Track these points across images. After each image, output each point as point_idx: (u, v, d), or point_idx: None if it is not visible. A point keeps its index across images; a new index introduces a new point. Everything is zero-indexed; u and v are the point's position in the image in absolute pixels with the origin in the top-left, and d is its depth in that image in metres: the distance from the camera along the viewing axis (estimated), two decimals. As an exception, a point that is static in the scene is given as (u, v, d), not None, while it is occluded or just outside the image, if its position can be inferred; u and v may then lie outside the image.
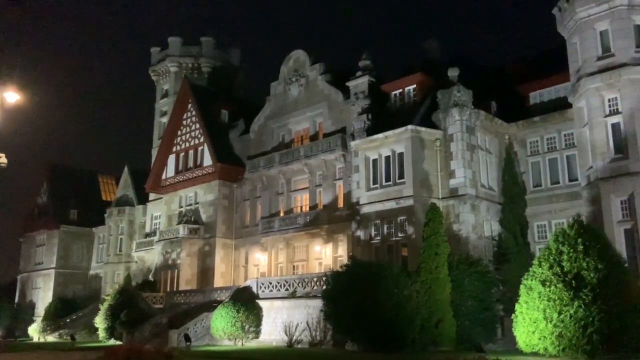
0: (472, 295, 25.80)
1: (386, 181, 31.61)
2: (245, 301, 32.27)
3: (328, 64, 40.79)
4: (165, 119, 52.86)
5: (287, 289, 32.15)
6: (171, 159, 48.32)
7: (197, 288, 41.65)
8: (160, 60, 55.88)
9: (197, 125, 46.56)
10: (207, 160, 44.83)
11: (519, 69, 36.32)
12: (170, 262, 44.81)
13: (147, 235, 52.46)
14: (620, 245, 24.58)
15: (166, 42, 55.93)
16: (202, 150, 45.74)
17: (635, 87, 26.02)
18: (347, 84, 36.62)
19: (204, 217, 44.58)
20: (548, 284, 20.18)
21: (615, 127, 26.49)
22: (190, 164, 46.68)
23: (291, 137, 42.16)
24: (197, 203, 45.55)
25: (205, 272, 43.34)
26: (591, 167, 26.99)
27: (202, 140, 45.85)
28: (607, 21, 27.16)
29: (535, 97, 33.39)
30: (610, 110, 26.73)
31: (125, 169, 59.01)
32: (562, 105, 30.57)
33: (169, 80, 55.32)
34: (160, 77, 56.26)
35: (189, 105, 47.69)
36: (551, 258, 20.70)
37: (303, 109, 40.86)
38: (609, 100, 26.81)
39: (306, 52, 41.57)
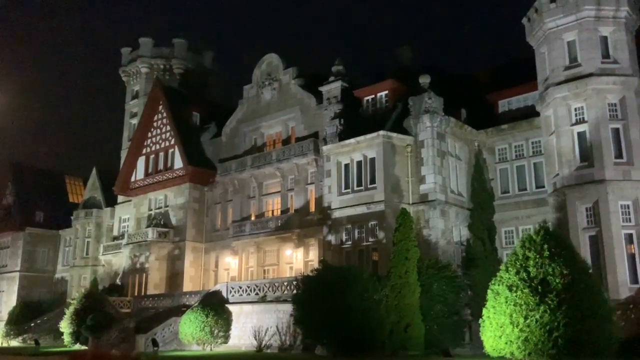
0: (440, 300, 26.10)
1: (358, 186, 31.76)
2: (215, 305, 31.98)
3: (301, 68, 40.85)
4: (135, 120, 52.16)
5: (257, 294, 31.99)
6: (141, 161, 47.64)
7: (166, 292, 41.09)
8: (131, 61, 55.15)
9: (168, 127, 46.05)
10: (178, 163, 44.37)
11: (489, 77, 36.96)
12: (138, 265, 44.14)
13: (115, 238, 51.53)
14: (585, 251, 25.18)
15: (137, 43, 55.23)
16: (173, 153, 45.24)
17: (600, 97, 26.72)
18: (320, 88, 36.72)
19: (173, 220, 44.07)
20: (515, 289, 20.50)
21: (581, 135, 27.15)
22: (161, 166, 46.12)
23: (263, 140, 42.05)
24: (167, 206, 45.01)
25: (175, 276, 42.82)
26: (557, 175, 27.59)
27: (172, 142, 45.36)
28: (574, 32, 27.86)
29: (504, 105, 34.02)
30: (576, 119, 27.39)
31: (94, 170, 57.87)
32: (530, 113, 31.19)
33: (139, 81, 54.63)
34: (131, 77, 55.55)
35: (160, 107, 47.16)
36: (518, 263, 21.05)
37: (276, 112, 40.80)
38: (575, 110, 27.47)
39: (279, 56, 41.54)
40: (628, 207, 25.63)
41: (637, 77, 27.20)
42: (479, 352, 22.69)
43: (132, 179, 47.72)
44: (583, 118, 27.14)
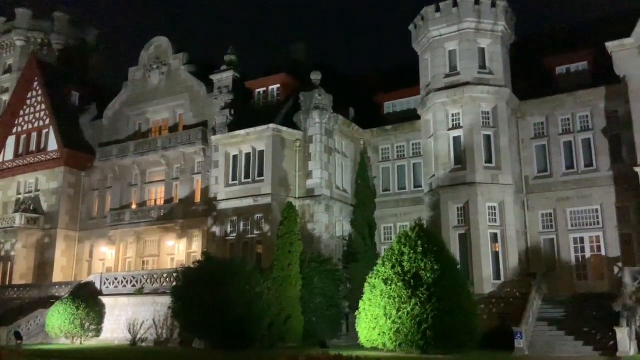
0: (321, 293, 26.70)
1: (245, 178, 31.57)
2: (87, 297, 30.53)
3: (192, 54, 39.70)
4: (6, 97, 47.96)
5: (134, 285, 30.84)
6: (11, 140, 43.91)
7: (34, 283, 38.34)
8: (5, 32, 50.83)
9: (43, 106, 42.86)
10: (53, 145, 41.46)
11: (377, 79, 38.26)
12: (3, 253, 40.72)
13: (-24, 223, 47.05)
14: (455, 248, 26.92)
15: (13, 13, 50.86)
16: (47, 134, 42.18)
17: (475, 105, 28.65)
18: (211, 77, 35.98)
19: (45, 206, 41.12)
20: (390, 282, 21.49)
21: (456, 140, 28.95)
22: (33, 147, 42.83)
23: (149, 126, 40.40)
24: (38, 191, 41.89)
25: (44, 266, 40.00)
26: (434, 176, 29.23)
27: (47, 122, 42.29)
28: (455, 42, 29.61)
29: (389, 107, 35.43)
30: (453, 125, 29.16)
31: (-45, 148, 52.42)
32: (412, 116, 32.71)
33: (14, 54, 50.47)
34: (4, 50, 51.14)
35: (35, 84, 43.76)
36: (394, 258, 22.08)
37: (163, 98, 39.35)
38: (452, 115, 29.24)
39: (169, 39, 40.13)
40: (495, 209, 27.74)
41: (509, 88, 29.47)
42: (355, 343, 23.51)
43: (0, 159, 43.87)
44: (459, 124, 28.95)
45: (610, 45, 25.94)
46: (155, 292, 29.74)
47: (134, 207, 38.83)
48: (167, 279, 29.71)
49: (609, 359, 19.79)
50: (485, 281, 26.59)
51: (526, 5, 62.11)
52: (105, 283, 31.97)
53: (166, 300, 27.53)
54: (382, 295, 21.52)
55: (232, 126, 33.09)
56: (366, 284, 22.79)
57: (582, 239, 27.82)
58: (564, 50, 30.56)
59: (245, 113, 33.79)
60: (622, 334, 20.51)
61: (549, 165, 29.02)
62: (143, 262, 37.96)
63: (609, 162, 27.55)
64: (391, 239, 30.62)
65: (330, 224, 30.92)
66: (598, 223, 27.51)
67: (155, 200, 38.60)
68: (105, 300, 31.20)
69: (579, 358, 20.36)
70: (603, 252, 27.19)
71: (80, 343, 29.59)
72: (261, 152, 31.30)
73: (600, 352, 20.92)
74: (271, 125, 30.94)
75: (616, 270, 26.29)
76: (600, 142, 27.97)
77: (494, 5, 29.50)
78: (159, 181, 38.58)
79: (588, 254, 27.60)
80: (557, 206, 28.31)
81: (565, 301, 25.14)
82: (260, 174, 31.07)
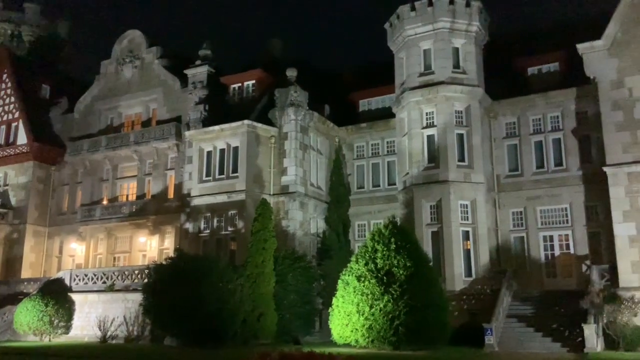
0: (294, 290, 26.67)
1: (219, 174, 31.35)
2: (56, 294, 30.02)
3: (166, 48, 39.23)
4: (-27, 88, 46.70)
5: (104, 282, 30.42)
6: (-22, 133, 42.83)
7: (1, 279, 37.54)
8: (-27, 22, 49.43)
9: (12, 99, 41.88)
10: (22, 138, 40.54)
11: (352, 77, 38.35)
12: (-31, 249, 39.72)
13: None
14: (427, 245, 27.17)
15: (-19, 3, 49.63)
16: (17, 127, 41.22)
17: (449, 104, 28.93)
18: (186, 71, 35.61)
19: (13, 201, 40.21)
20: (363, 279, 21.61)
21: (430, 138, 29.20)
22: (2, 141, 41.82)
23: (121, 121, 39.78)
24: (6, 185, 40.94)
25: (12, 262, 39.14)
26: (407, 174, 29.45)
27: (17, 115, 41.34)
28: (430, 41, 29.84)
29: (365, 104, 35.55)
30: (427, 123, 29.40)
31: None
32: (387, 114, 32.87)
33: (-19, 45, 49.08)
34: (-29, 40, 49.75)
35: (5, 76, 42.71)
36: (367, 255, 22.21)
37: (136, 92, 38.77)
38: (426, 114, 29.48)
39: (143, 33, 39.57)
40: (466, 207, 28.08)
41: (482, 88, 29.82)
42: (327, 340, 23.57)
43: (-34, 153, 42.74)
44: (433, 122, 29.20)
45: (580, 47, 26.41)
46: (126, 289, 29.38)
47: (105, 202, 38.23)
48: (139, 276, 29.36)
49: (576, 355, 20.19)
50: (457, 278, 26.91)
51: (499, 6, 62.93)
52: (75, 279, 31.47)
53: (137, 297, 27.21)
54: (355, 292, 21.63)
55: (207, 122, 32.81)
56: (339, 281, 22.88)
57: (551, 237, 28.33)
58: (535, 51, 31.04)
59: (220, 108, 33.53)
60: (590, 331, 20.97)
61: (520, 165, 29.48)
62: (114, 258, 37.44)
63: (579, 162, 28.10)
64: (365, 236, 30.76)
65: (304, 221, 30.91)
66: (567, 222, 28.05)
67: (127, 196, 38.07)
68: (74, 297, 30.71)
69: (547, 354, 20.75)
70: (572, 250, 27.75)
71: (49, 340, 29.07)
72: (235, 148, 31.11)
73: (568, 348, 21.38)
74: (246, 122, 30.76)
75: (584, 268, 26.85)
76: (570, 142, 28.51)
77: (468, 5, 29.80)
78: (131, 176, 38.04)
79: (557, 252, 28.14)
80: (527, 204, 28.79)
81: (534, 298, 25.60)
82: (235, 170, 30.89)
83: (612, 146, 25.05)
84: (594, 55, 26.08)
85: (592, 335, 20.91)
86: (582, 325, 21.20)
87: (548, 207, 28.49)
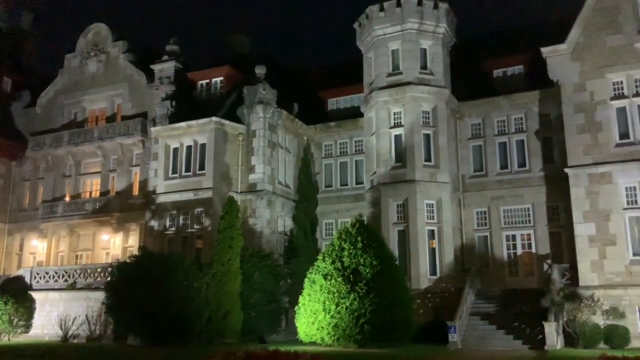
0: (261, 288, 26.58)
1: (186, 171, 30.98)
2: (16, 292, 29.32)
3: (133, 43, 38.57)
4: None
5: (66, 280, 29.80)
6: None
7: (-43, 277, 36.30)
8: None
9: (-29, 92, 40.62)
10: (-19, 133, 39.35)
11: (321, 75, 38.34)
12: None
13: None
14: (393, 244, 27.39)
15: (-62, -8, 47.80)
16: (-24, 121, 40.00)
17: (416, 104, 29.21)
18: (152, 66, 35.07)
19: (-29, 196, 38.99)
20: (329, 277, 21.66)
21: (397, 138, 29.45)
22: (-41, 134, 40.50)
23: (85, 116, 38.94)
24: (-36, 180, 39.69)
25: (-31, 260, 37.98)
26: (375, 173, 29.63)
27: (-24, 109, 40.11)
28: (398, 42, 30.08)
29: (333, 103, 35.62)
30: (394, 123, 29.63)
31: None
32: (355, 113, 32.99)
33: (-62, 35, 47.36)
34: None
35: (-37, 68, 41.42)
36: (334, 254, 22.27)
37: (101, 87, 37.99)
38: (394, 114, 29.71)
39: (109, 26, 38.81)
40: (432, 206, 28.41)
41: (449, 89, 30.20)
42: (293, 338, 23.56)
43: None
44: (400, 122, 29.44)
45: (544, 51, 26.97)
46: (88, 287, 28.86)
47: (67, 199, 37.41)
48: (102, 274, 28.86)
49: (537, 352, 20.61)
50: (422, 276, 27.20)
51: (467, 8, 63.83)
52: (35, 277, 30.74)
53: (100, 295, 26.77)
54: (321, 290, 21.67)
55: (173, 118, 32.39)
56: (306, 279, 22.89)
57: (514, 237, 28.89)
58: (501, 54, 31.59)
59: (187, 105, 33.14)
60: (550, 329, 21.45)
61: (485, 165, 29.97)
62: (76, 256, 36.68)
63: (541, 163, 28.71)
64: (332, 235, 30.83)
65: (271, 219, 30.81)
66: (529, 221, 28.64)
67: (91, 193, 37.32)
68: (35, 295, 30.01)
69: (509, 351, 21.13)
70: (533, 249, 28.34)
71: (8, 339, 28.36)
72: (203, 145, 30.80)
73: (529, 345, 21.82)
74: (214, 119, 30.48)
75: (545, 267, 27.45)
76: (533, 143, 29.11)
77: (436, 7, 30.13)
78: (94, 173, 37.29)
79: (519, 250, 28.70)
80: (491, 204, 29.30)
81: (497, 296, 26.06)
82: (202, 167, 30.58)
83: (573, 148, 25.67)
84: (558, 58, 26.67)
85: (552, 333, 21.40)
86: (543, 323, 21.68)
87: (511, 207, 29.04)
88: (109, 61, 38.13)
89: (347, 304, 20.87)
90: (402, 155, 29.02)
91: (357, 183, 32.86)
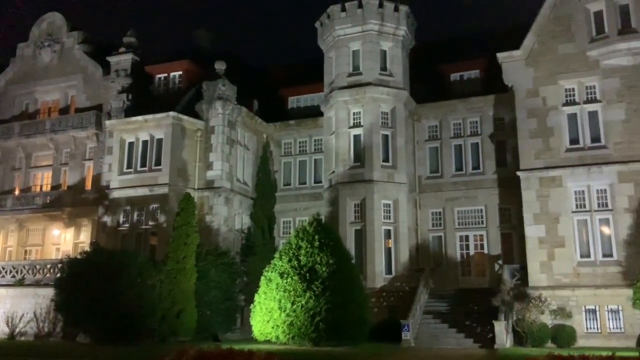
0: (216, 286, 26.34)
1: (141, 166, 30.39)
2: (-41, 289, 27.99)
3: (89, 34, 37.57)
4: None
5: (14, 276, 28.88)
6: None
7: None
8: None
9: None
10: None
11: (282, 73, 38.26)
12: None
13: None
14: (350, 243, 27.59)
15: None
16: None
17: (375, 105, 29.49)
18: (108, 58, 34.26)
19: None
20: (286, 276, 21.65)
21: (356, 138, 29.67)
22: None
23: (37, 107, 37.72)
24: None
25: None
26: (333, 172, 29.77)
27: None
28: (359, 42, 30.30)
29: (294, 102, 35.59)
30: (354, 123, 29.84)
31: None
32: (315, 112, 33.07)
33: None
34: None
35: None
36: (291, 252, 22.27)
37: (54, 78, 36.87)
38: (354, 114, 29.91)
39: (64, 16, 37.70)
40: (389, 206, 28.74)
41: (407, 91, 30.60)
42: (248, 337, 23.44)
43: None
44: (360, 122, 29.67)
45: (500, 56, 27.63)
46: (37, 284, 28.03)
47: (16, 192, 36.17)
48: (51, 270, 28.07)
49: (487, 350, 21.11)
50: (378, 275, 27.49)
51: (427, 12, 64.76)
52: (-20, 273, 29.59)
53: (49, 292, 26.03)
54: (277, 288, 21.63)
55: (129, 112, 31.74)
56: (262, 278, 22.81)
57: (467, 237, 29.50)
58: (458, 58, 32.19)
59: (144, 99, 32.54)
60: (500, 327, 21.99)
61: (441, 167, 30.49)
62: (25, 251, 35.52)
63: (495, 166, 29.40)
64: (290, 233, 30.80)
65: (229, 217, 30.56)
66: (482, 222, 29.30)
67: (41, 186, 36.19)
68: (-20, 291, 28.92)
69: (460, 349, 21.59)
70: (486, 250, 29.01)
71: (-51, 338, 27.17)
72: (159, 140, 30.27)
73: (480, 344, 22.33)
74: (171, 113, 30.00)
75: (497, 267, 28.16)
76: (487, 146, 29.78)
77: (396, 9, 30.49)
78: (45, 166, 36.18)
79: (472, 251, 29.33)
80: (446, 205, 29.84)
81: (449, 295, 26.59)
82: (158, 162, 30.05)
83: (525, 152, 26.40)
84: (512, 64, 27.37)
85: (502, 332, 21.95)
86: (493, 322, 22.21)
87: (465, 208, 29.64)
88: (64, 52, 37.05)
89: (303, 302, 20.90)
90: (360, 155, 29.25)
91: (315, 182, 32.92)
